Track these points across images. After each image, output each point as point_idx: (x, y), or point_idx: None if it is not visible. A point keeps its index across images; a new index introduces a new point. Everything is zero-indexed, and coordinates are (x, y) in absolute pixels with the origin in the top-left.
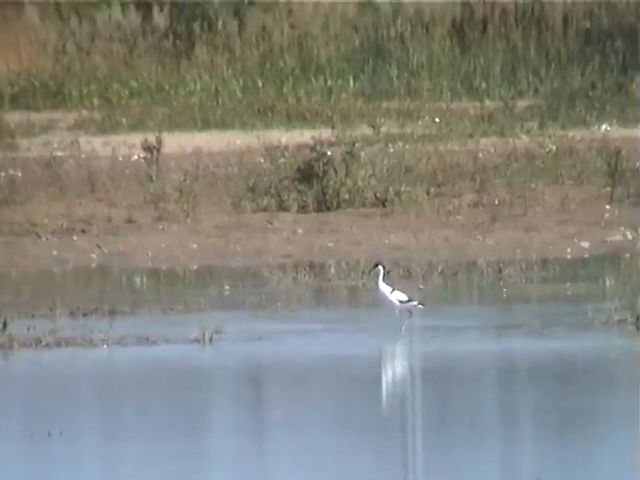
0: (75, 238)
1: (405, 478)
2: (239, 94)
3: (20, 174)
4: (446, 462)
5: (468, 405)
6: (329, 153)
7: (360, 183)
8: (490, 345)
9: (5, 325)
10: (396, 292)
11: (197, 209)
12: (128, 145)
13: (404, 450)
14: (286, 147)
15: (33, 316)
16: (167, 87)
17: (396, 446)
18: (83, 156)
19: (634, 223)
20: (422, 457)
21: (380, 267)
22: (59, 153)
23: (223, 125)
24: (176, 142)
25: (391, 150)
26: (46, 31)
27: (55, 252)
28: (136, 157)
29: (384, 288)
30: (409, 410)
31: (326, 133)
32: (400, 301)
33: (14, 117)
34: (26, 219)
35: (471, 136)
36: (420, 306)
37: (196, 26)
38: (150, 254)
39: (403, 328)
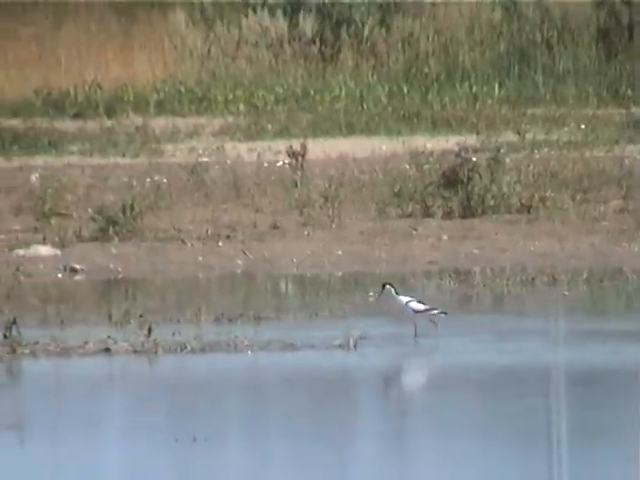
0: (220, 244)
1: None
2: (384, 100)
3: (165, 180)
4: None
5: (618, 414)
6: (474, 159)
7: (505, 189)
8: (638, 352)
9: (150, 331)
10: (414, 302)
11: (342, 215)
12: (273, 151)
13: (551, 458)
14: (431, 153)
15: (178, 322)
16: (312, 93)
17: (544, 456)
18: (228, 162)
19: None
20: (568, 466)
21: (388, 287)
22: (204, 159)
23: (368, 131)
24: (321, 148)
25: (536, 156)
26: (191, 36)
27: (200, 258)
28: (281, 163)
29: (401, 299)
30: (565, 417)
31: (471, 139)
32: (416, 310)
33: (159, 123)
34: (171, 225)
35: (617, 142)
36: (442, 314)
37: (342, 32)
38: (295, 260)
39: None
